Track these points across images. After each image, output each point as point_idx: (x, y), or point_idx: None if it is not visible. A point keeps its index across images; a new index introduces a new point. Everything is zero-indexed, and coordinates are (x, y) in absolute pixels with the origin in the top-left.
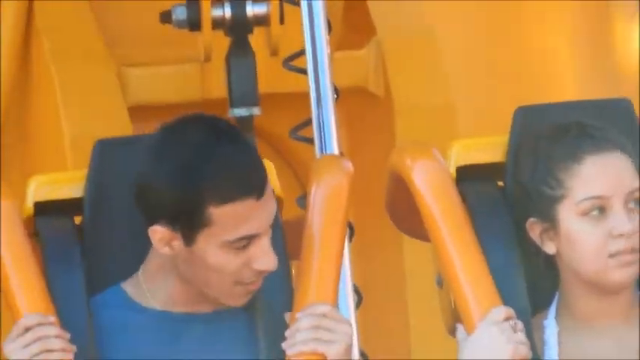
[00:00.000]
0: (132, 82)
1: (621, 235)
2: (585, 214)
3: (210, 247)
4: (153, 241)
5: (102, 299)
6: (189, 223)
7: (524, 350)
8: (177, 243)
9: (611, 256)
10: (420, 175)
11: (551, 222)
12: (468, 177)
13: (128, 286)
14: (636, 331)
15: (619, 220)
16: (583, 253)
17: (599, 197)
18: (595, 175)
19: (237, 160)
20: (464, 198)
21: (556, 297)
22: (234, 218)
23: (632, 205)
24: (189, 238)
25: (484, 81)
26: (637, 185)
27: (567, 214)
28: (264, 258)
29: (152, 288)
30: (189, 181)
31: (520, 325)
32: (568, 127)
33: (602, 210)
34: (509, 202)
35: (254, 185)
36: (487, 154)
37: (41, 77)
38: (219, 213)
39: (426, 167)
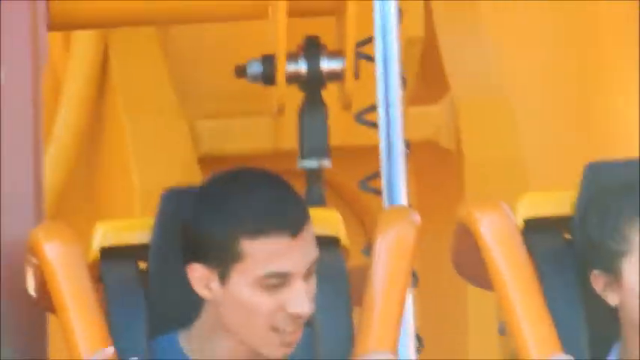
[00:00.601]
0: (204, 134)
1: None
2: None
3: (243, 284)
4: (192, 282)
5: (156, 346)
6: (222, 257)
7: None
8: (215, 284)
9: None
10: (487, 227)
11: (615, 275)
12: (535, 229)
13: (182, 338)
14: None
15: None
16: None
17: None
18: None
19: (273, 196)
20: (531, 250)
21: (616, 349)
22: (266, 252)
23: None
24: (223, 275)
25: (556, 138)
26: None
27: (631, 269)
28: (297, 300)
29: (205, 344)
30: (223, 215)
31: None
32: (636, 184)
33: None
34: (575, 254)
35: (288, 221)
36: (555, 207)
37: (113, 128)
38: (251, 246)
39: (493, 219)
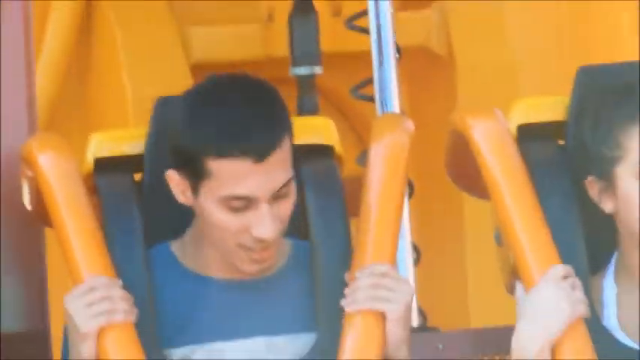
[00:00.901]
0: (194, 41)
1: None
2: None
3: (210, 201)
4: (171, 186)
5: (150, 255)
6: (192, 171)
7: (583, 308)
8: (189, 194)
9: None
10: (481, 134)
11: (609, 181)
12: (528, 135)
13: (174, 246)
14: None
15: None
16: (638, 214)
17: None
18: None
19: (246, 115)
20: (524, 156)
21: (614, 257)
22: (228, 175)
23: None
24: (194, 189)
25: (547, 43)
26: None
27: (624, 175)
28: (260, 225)
29: (198, 251)
30: (193, 131)
31: (578, 283)
32: (629, 88)
33: None
34: (569, 160)
35: (254, 146)
36: (548, 113)
37: (104, 38)
38: (216, 166)
39: (486, 126)
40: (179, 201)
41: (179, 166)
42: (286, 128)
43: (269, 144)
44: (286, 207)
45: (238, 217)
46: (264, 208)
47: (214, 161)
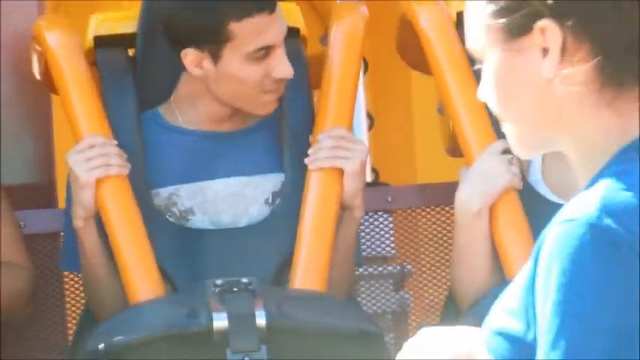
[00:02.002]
0: None
1: None
2: None
3: (235, 60)
4: (186, 64)
5: (143, 119)
6: (214, 40)
7: (518, 181)
8: (207, 62)
9: None
10: (425, 17)
11: None
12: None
13: (162, 109)
14: None
15: None
16: None
17: None
18: None
19: None
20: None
21: None
22: (252, 31)
23: None
24: (216, 56)
25: None
26: None
27: None
28: (281, 66)
29: (182, 111)
30: (210, 3)
31: (515, 160)
32: None
33: None
34: None
35: (266, 2)
36: None
37: None
38: (239, 27)
39: (429, 10)
40: (194, 74)
41: (195, 42)
42: None
43: None
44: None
45: (261, 66)
46: (280, 52)
47: (237, 23)
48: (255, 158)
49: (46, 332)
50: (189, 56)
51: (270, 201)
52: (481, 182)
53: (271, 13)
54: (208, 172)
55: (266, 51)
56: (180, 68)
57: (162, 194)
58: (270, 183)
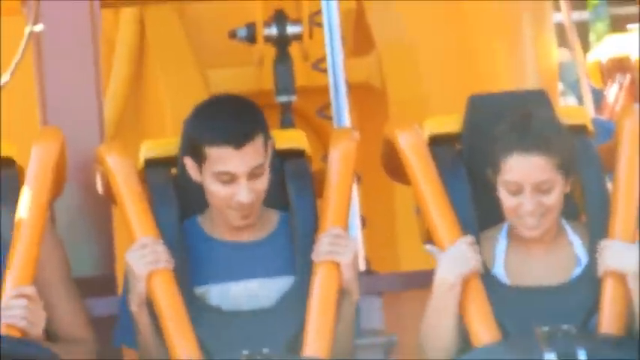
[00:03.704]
0: (211, 79)
1: (532, 213)
2: (508, 191)
3: (208, 177)
4: (187, 169)
5: (184, 227)
6: (198, 156)
7: (479, 266)
8: (196, 173)
9: (520, 216)
10: (404, 141)
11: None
12: (436, 142)
13: (201, 219)
14: (561, 248)
15: (527, 199)
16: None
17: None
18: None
19: (231, 118)
20: (434, 156)
21: (505, 226)
22: (217, 157)
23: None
24: (200, 169)
25: (451, 78)
26: (544, 178)
27: (500, 185)
28: (239, 194)
29: (213, 222)
30: (199, 128)
31: (478, 249)
32: (510, 123)
33: (518, 191)
34: (463, 159)
35: (234, 137)
36: (449, 126)
37: (151, 77)
38: (210, 151)
39: (408, 135)
40: (195, 180)
41: (191, 154)
42: (260, 129)
43: (245, 137)
44: (261, 182)
45: (225, 187)
46: (242, 182)
47: (209, 148)
48: (270, 262)
49: None
50: (187, 163)
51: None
52: (456, 264)
53: (237, 149)
54: (232, 274)
55: (230, 177)
56: None
57: (196, 291)
58: (281, 284)
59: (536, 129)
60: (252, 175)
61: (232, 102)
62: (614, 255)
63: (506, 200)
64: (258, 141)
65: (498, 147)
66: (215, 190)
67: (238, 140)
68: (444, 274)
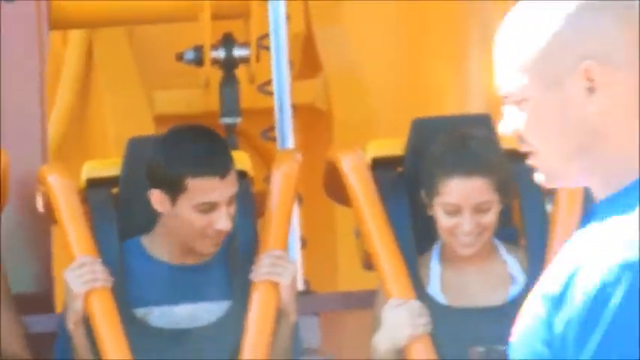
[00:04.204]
0: (156, 100)
1: (469, 233)
2: (445, 212)
3: (186, 207)
4: (152, 202)
5: (125, 246)
6: (174, 189)
7: (426, 329)
8: (166, 205)
9: (456, 235)
10: (346, 164)
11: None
12: (379, 164)
13: (145, 240)
14: (494, 267)
15: (467, 220)
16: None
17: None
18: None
19: (210, 149)
20: (376, 178)
21: (437, 245)
22: (202, 188)
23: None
24: (173, 201)
25: (396, 100)
26: (484, 199)
27: (437, 207)
28: (222, 220)
29: (158, 244)
30: (176, 161)
31: (425, 312)
32: (449, 146)
33: (457, 212)
34: (405, 182)
35: (219, 168)
36: (392, 149)
37: (96, 98)
38: (193, 183)
39: (350, 158)
40: (157, 209)
41: (161, 186)
42: (232, 158)
43: (228, 167)
44: (233, 209)
45: (205, 217)
46: (224, 209)
47: (192, 180)
48: (211, 286)
49: None
50: (155, 196)
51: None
52: (394, 328)
53: (222, 179)
54: (174, 297)
55: (212, 206)
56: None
57: (136, 313)
58: (221, 308)
59: (475, 150)
60: (229, 202)
61: (202, 133)
62: None
63: (443, 220)
64: (233, 170)
65: (437, 169)
66: (193, 220)
67: (223, 170)
68: (378, 339)
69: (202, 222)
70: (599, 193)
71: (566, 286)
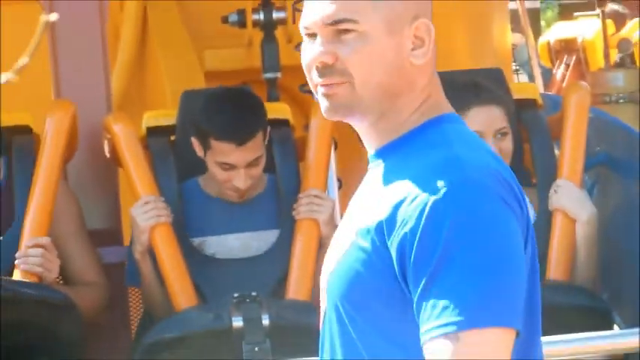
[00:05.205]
0: (206, 58)
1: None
2: None
3: (211, 162)
4: (194, 146)
5: (183, 186)
6: (204, 143)
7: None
8: (202, 153)
9: None
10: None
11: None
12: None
13: (200, 181)
14: None
15: (489, 143)
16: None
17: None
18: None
19: (236, 117)
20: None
21: None
22: (221, 151)
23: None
24: (205, 152)
25: None
26: (502, 125)
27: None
28: (236, 180)
29: (211, 184)
30: (205, 121)
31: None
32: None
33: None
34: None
35: (238, 136)
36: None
37: (152, 56)
38: (215, 144)
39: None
40: (198, 155)
41: (198, 138)
42: (261, 126)
43: (246, 136)
44: (256, 170)
45: (225, 173)
46: (241, 171)
47: (215, 141)
48: (258, 219)
49: (114, 334)
50: (195, 143)
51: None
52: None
53: (239, 146)
54: (227, 227)
55: (230, 166)
56: None
57: (194, 242)
58: (269, 236)
59: (487, 86)
60: (250, 165)
61: (239, 98)
62: (570, 196)
63: None
64: (258, 138)
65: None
66: (216, 174)
67: (241, 138)
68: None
69: (223, 177)
70: (385, 137)
71: (394, 213)
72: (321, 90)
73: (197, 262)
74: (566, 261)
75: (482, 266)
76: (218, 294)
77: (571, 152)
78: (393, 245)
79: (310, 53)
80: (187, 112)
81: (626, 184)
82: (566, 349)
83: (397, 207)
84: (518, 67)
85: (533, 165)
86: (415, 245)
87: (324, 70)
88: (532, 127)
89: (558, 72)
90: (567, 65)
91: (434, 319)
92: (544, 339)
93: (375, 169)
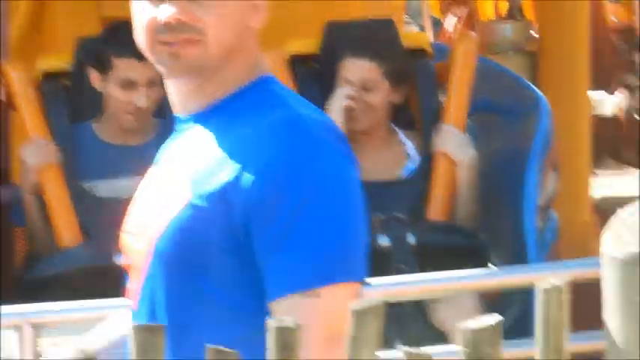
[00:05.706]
0: (104, 4)
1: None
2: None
3: (111, 87)
4: (91, 80)
5: (75, 129)
6: (104, 65)
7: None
8: (101, 82)
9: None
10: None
11: None
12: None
13: (93, 124)
14: (393, 145)
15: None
16: None
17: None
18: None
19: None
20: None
21: None
22: (123, 67)
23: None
24: (104, 78)
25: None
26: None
27: None
28: (137, 99)
29: (104, 128)
30: (105, 42)
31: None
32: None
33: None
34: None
35: (137, 51)
36: (307, 48)
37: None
38: (116, 62)
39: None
40: (95, 87)
41: (96, 66)
42: None
43: None
44: (156, 91)
45: (126, 93)
46: (142, 90)
47: (115, 59)
48: (149, 163)
49: None
50: (92, 74)
51: None
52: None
53: (140, 61)
54: (117, 171)
55: (132, 84)
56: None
57: (84, 185)
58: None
59: (368, 40)
60: (151, 83)
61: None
62: (452, 140)
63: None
64: None
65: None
66: (118, 94)
67: (141, 55)
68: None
69: (124, 97)
70: (209, 97)
71: (239, 175)
72: (167, 50)
73: (85, 204)
74: (446, 202)
75: (334, 223)
76: (104, 234)
77: (456, 98)
78: (239, 206)
79: (162, 11)
80: (83, 57)
81: (507, 126)
82: (439, 287)
83: (243, 169)
84: (410, 19)
85: (418, 110)
86: (264, 205)
87: (177, 26)
88: (420, 74)
89: (449, 23)
90: (458, 17)
91: (288, 277)
92: (414, 277)
93: (195, 127)
